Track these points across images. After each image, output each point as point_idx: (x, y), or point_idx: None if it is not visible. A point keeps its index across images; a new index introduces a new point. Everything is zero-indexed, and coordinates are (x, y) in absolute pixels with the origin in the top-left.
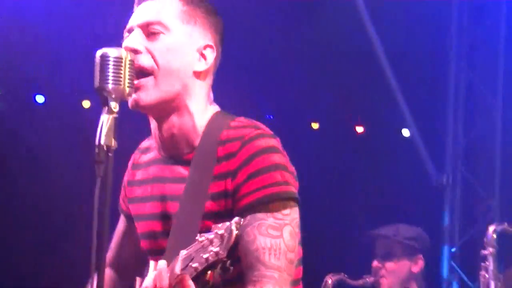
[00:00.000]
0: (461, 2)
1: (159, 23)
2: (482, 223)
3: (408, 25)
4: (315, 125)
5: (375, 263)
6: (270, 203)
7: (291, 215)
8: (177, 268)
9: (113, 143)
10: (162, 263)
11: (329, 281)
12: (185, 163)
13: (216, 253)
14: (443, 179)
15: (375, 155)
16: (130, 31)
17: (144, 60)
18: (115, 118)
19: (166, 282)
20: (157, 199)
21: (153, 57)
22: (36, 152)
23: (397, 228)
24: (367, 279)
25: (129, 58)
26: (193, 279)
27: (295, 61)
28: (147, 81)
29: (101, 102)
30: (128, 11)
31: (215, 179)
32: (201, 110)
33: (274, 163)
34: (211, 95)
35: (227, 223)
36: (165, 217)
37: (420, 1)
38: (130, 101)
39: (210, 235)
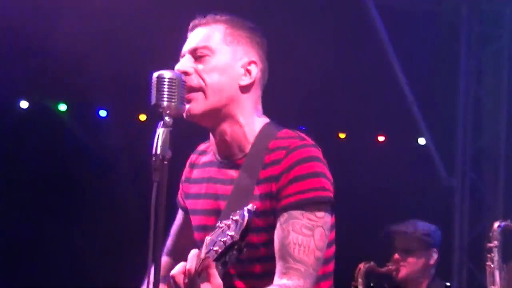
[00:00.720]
0: (469, 27)
1: (204, 47)
2: (488, 221)
3: (423, 49)
4: (342, 135)
5: (396, 256)
6: (306, 205)
7: (324, 218)
8: (202, 253)
9: (168, 153)
10: (194, 250)
11: (362, 268)
12: (236, 166)
13: (232, 237)
14: (453, 182)
15: (394, 161)
16: (182, 56)
17: (193, 80)
18: (170, 131)
19: (193, 265)
20: (210, 197)
21: (201, 77)
22: (101, 161)
23: (415, 225)
24: (390, 267)
25: (181, 79)
26: (215, 261)
27: (324, 78)
28: (197, 95)
29: (157, 117)
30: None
31: (260, 182)
32: (250, 119)
33: (313, 171)
34: (260, 106)
35: (241, 210)
36: (215, 213)
37: (432, 25)
38: (185, 113)
39: (228, 221)
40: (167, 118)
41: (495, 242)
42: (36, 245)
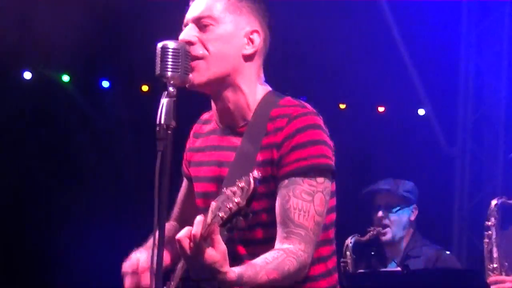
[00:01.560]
0: (470, 1)
1: (208, 16)
2: (487, 189)
3: (425, 21)
4: (342, 105)
5: (379, 214)
6: (307, 172)
7: (324, 184)
8: (208, 218)
9: (172, 122)
10: (200, 216)
11: (349, 243)
12: (239, 134)
13: (238, 203)
14: (454, 152)
15: (396, 131)
16: (186, 25)
17: (198, 50)
18: (174, 101)
19: (199, 230)
20: (213, 164)
21: (204, 46)
22: (104, 131)
23: (394, 182)
24: (371, 231)
25: (185, 49)
26: (221, 226)
27: (325, 49)
28: (201, 64)
29: (161, 87)
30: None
31: (262, 149)
32: (252, 88)
33: (314, 138)
34: (262, 74)
35: (247, 177)
36: (218, 180)
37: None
38: (188, 82)
39: (234, 188)
40: (171, 88)
41: (493, 220)
42: (41, 209)
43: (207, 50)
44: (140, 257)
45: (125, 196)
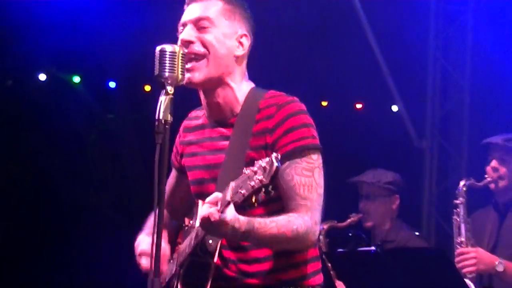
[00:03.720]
0: (437, 7)
1: (207, 18)
2: (454, 178)
3: (397, 26)
4: (324, 103)
5: (362, 204)
6: (303, 151)
7: (318, 161)
8: (228, 195)
9: (169, 118)
10: (217, 193)
11: (324, 228)
12: (229, 125)
13: (261, 181)
14: (424, 144)
15: (372, 126)
16: (184, 25)
17: (198, 48)
18: (171, 99)
19: (214, 210)
20: (206, 153)
21: (204, 45)
22: (110, 126)
23: (377, 174)
24: (352, 218)
25: (181, 52)
26: (242, 202)
27: (306, 51)
28: (200, 64)
29: (159, 86)
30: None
31: (254, 135)
32: (239, 84)
33: (304, 122)
34: (246, 72)
35: (268, 158)
36: (212, 167)
37: (405, 5)
38: (185, 80)
39: (254, 168)
40: (168, 87)
41: (461, 199)
42: (53, 196)
43: (207, 49)
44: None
45: (128, 185)
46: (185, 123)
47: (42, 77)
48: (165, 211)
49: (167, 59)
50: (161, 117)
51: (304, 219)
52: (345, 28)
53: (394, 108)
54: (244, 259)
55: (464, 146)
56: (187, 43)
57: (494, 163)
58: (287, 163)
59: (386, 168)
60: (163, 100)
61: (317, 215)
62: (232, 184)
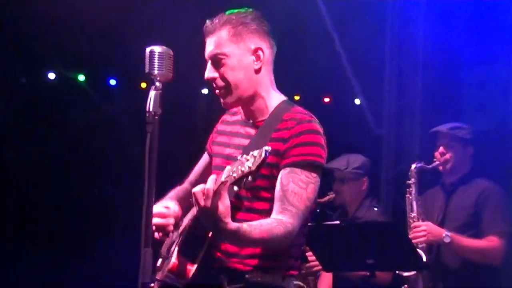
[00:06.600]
0: (393, 12)
1: (220, 54)
2: (408, 159)
3: (359, 31)
4: (297, 97)
5: (335, 186)
6: (306, 166)
7: (316, 179)
8: (223, 177)
9: (158, 110)
10: (213, 175)
11: None
12: (256, 127)
13: (249, 167)
14: (382, 132)
15: (338, 116)
16: (206, 60)
17: (220, 83)
18: (160, 93)
19: (212, 186)
20: (230, 146)
21: (224, 78)
22: (112, 119)
23: (347, 161)
24: (330, 195)
25: (169, 52)
26: (232, 184)
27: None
28: (227, 91)
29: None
30: None
31: (272, 140)
32: (268, 91)
33: (315, 141)
34: (272, 77)
35: (259, 150)
36: (229, 159)
37: (366, 13)
38: (222, 104)
39: (247, 156)
40: (157, 83)
41: (413, 180)
42: (62, 181)
43: (227, 80)
44: (169, 205)
45: (127, 170)
46: (224, 116)
47: (51, 75)
48: (189, 187)
49: (156, 58)
50: (151, 109)
51: (285, 225)
52: (312, 33)
53: (357, 101)
54: None
55: (416, 133)
56: (211, 80)
57: (441, 148)
58: (288, 170)
59: (351, 152)
60: (152, 95)
61: (298, 222)
62: (228, 168)
